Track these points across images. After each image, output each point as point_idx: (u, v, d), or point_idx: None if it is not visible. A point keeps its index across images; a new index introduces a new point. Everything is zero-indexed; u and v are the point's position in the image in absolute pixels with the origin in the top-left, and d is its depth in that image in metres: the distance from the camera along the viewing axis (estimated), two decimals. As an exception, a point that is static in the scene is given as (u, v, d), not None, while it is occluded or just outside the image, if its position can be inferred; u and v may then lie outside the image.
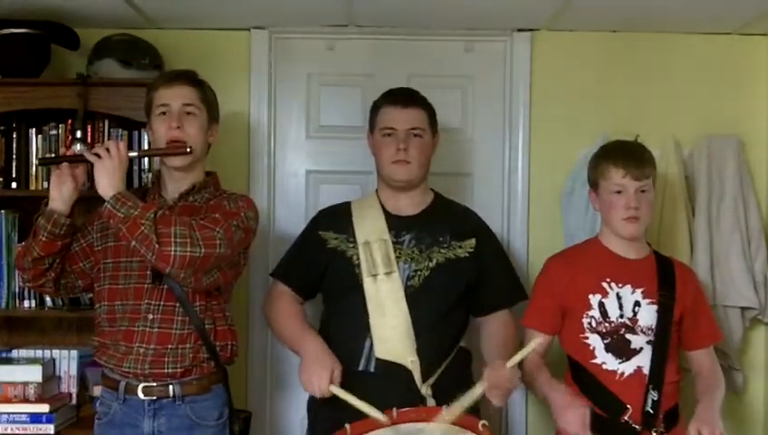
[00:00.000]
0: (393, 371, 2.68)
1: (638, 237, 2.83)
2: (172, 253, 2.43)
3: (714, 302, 3.29)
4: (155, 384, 2.62)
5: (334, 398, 2.59)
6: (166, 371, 2.61)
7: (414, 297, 2.74)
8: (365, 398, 2.50)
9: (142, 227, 2.42)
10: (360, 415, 2.45)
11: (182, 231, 2.45)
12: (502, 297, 2.93)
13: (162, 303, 2.64)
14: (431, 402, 2.61)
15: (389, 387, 2.62)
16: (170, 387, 2.63)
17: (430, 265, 2.79)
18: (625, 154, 2.80)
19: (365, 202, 2.98)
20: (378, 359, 2.70)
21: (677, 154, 3.49)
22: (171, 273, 2.49)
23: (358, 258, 2.80)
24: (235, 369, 2.93)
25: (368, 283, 2.76)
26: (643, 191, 2.75)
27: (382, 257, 2.77)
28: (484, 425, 2.30)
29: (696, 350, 2.86)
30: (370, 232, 2.84)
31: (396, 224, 2.85)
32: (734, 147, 3.51)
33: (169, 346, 2.62)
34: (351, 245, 2.84)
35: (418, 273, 2.77)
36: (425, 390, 2.65)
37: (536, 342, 2.53)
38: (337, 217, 2.94)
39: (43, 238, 2.57)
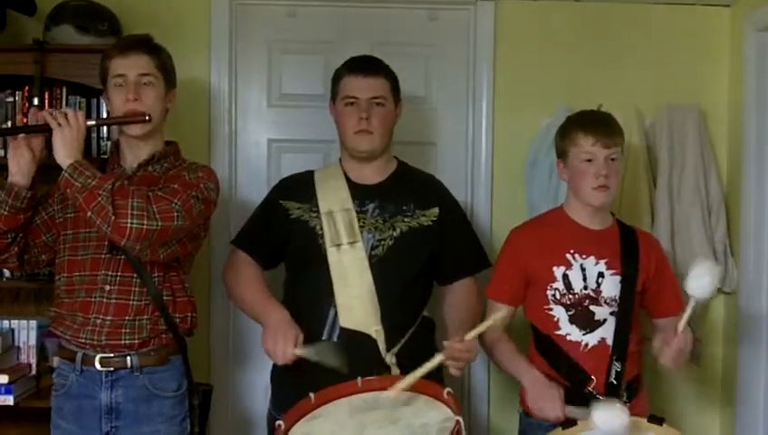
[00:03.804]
0: (357, 340, 2.67)
1: (606, 206, 2.84)
2: (128, 225, 2.39)
3: (674, 271, 3.31)
4: (112, 355, 2.60)
5: (298, 367, 2.60)
6: (123, 342, 2.59)
7: (378, 267, 2.73)
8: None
9: (99, 198, 2.39)
10: (324, 385, 2.44)
11: (139, 203, 2.42)
12: (465, 265, 2.93)
13: (119, 274, 2.61)
14: (395, 371, 2.61)
15: (354, 356, 2.61)
16: (128, 358, 2.61)
17: (394, 234, 2.78)
18: (595, 122, 2.80)
19: (328, 171, 2.96)
20: (342, 328, 2.70)
21: (639, 123, 3.51)
22: (126, 245, 2.46)
23: (321, 228, 2.78)
24: (197, 341, 2.92)
25: (331, 253, 2.75)
26: (613, 159, 2.75)
27: (346, 227, 2.76)
28: (449, 393, 2.30)
29: (663, 318, 2.88)
30: (334, 201, 2.82)
31: (359, 193, 2.83)
32: (695, 117, 3.54)
33: (127, 317, 2.59)
34: (314, 214, 2.82)
35: (382, 242, 2.76)
36: (389, 359, 2.65)
37: (498, 316, 2.53)
38: (299, 187, 2.92)
39: (5, 213, 2.53)
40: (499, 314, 2.53)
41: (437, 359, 2.45)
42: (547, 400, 2.62)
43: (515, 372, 2.76)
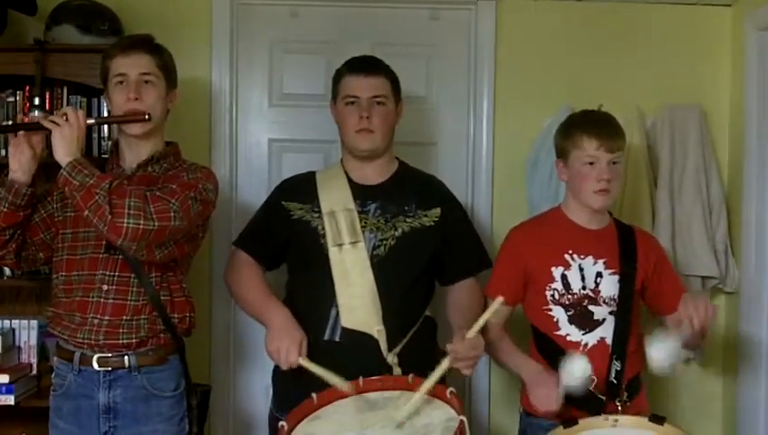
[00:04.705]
0: (359, 340, 2.67)
1: (606, 209, 2.84)
2: (124, 225, 2.38)
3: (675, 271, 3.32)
4: (110, 355, 2.59)
5: (300, 368, 2.59)
6: (121, 341, 2.58)
7: (380, 267, 2.73)
8: (331, 367, 2.49)
9: (96, 197, 2.38)
10: (326, 384, 2.44)
11: (136, 203, 2.41)
12: (467, 265, 2.93)
13: (117, 273, 2.60)
14: (397, 371, 2.61)
15: (355, 356, 2.61)
16: (126, 358, 2.60)
17: (396, 234, 2.78)
18: (598, 125, 2.79)
19: (330, 172, 2.96)
20: (344, 328, 2.69)
21: (640, 123, 3.51)
22: (123, 245, 2.45)
23: (323, 228, 2.78)
24: (198, 341, 2.91)
25: (333, 253, 2.74)
26: (615, 163, 2.74)
27: (347, 227, 2.76)
28: (452, 392, 2.30)
29: (668, 314, 2.87)
30: (335, 202, 2.82)
31: (361, 193, 2.83)
32: (696, 116, 3.54)
33: (124, 317, 2.59)
34: (316, 215, 2.82)
35: (384, 242, 2.76)
36: (391, 358, 2.64)
37: (496, 304, 2.50)
38: (301, 187, 2.92)
39: (5, 209, 2.52)
40: (494, 305, 2.49)
41: (445, 364, 2.44)
42: (543, 387, 2.61)
43: (515, 365, 2.77)
